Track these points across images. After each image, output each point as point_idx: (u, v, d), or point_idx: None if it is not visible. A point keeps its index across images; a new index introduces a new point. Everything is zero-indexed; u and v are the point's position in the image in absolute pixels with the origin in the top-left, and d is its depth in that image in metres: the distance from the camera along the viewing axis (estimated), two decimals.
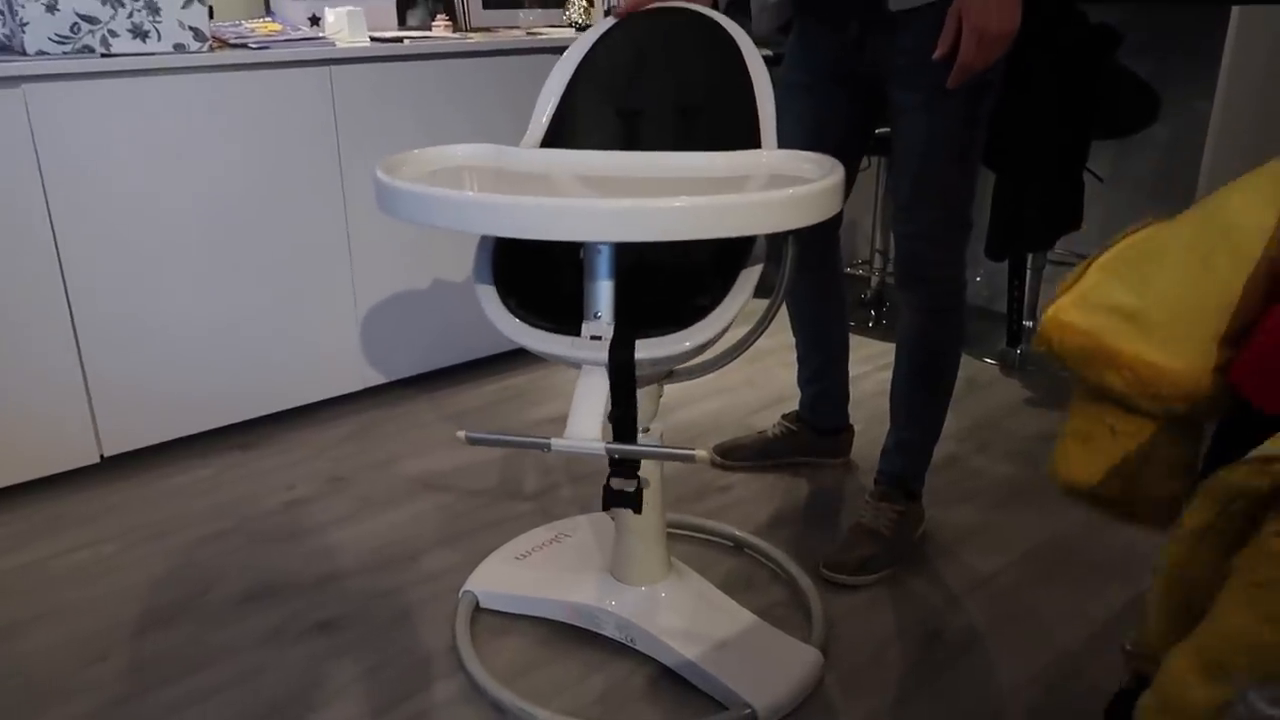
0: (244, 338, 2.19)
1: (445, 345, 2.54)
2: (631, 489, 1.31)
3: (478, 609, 1.64)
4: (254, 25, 2.22)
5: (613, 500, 1.31)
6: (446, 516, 1.94)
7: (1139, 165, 2.71)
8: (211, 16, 2.01)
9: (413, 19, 2.65)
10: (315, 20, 2.47)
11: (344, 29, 2.30)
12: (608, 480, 1.32)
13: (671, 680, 1.46)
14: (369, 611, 1.65)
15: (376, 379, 2.44)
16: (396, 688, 1.47)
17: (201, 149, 2.03)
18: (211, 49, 2.00)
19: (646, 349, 1.21)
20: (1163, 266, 0.90)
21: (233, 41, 2.08)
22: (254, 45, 2.07)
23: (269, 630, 1.60)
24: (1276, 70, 2.32)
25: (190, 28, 1.96)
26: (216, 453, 2.20)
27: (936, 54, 1.48)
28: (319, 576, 1.75)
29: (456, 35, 2.49)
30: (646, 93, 1.54)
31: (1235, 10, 2.15)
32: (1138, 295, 0.89)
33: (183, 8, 1.94)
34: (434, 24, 2.60)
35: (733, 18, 1.57)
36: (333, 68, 2.16)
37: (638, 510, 1.33)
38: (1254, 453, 0.63)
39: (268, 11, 2.43)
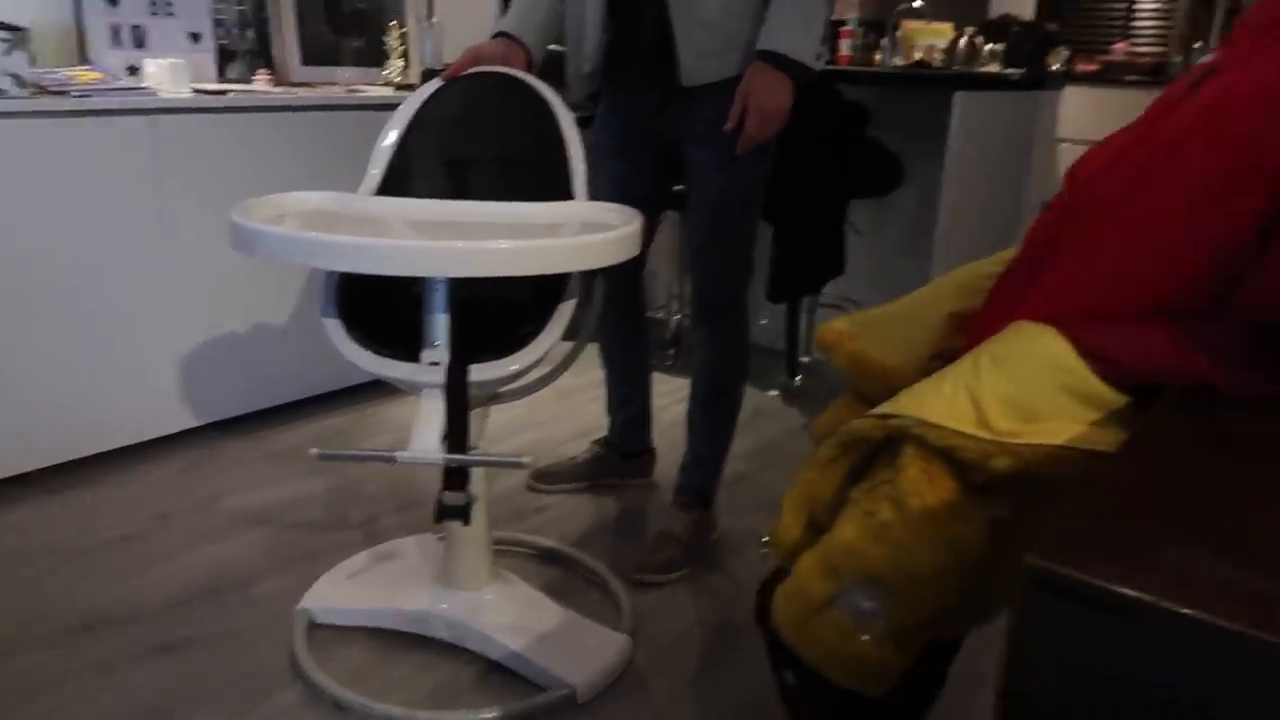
0: (59, 382, 2.20)
1: (265, 387, 2.61)
2: (462, 502, 1.49)
3: (313, 626, 1.75)
4: (74, 73, 2.26)
5: (444, 514, 1.48)
6: (276, 546, 2.02)
7: (894, 222, 3.15)
8: (32, 64, 2.05)
9: (232, 72, 2.74)
10: (134, 70, 2.52)
11: (165, 80, 2.38)
12: (440, 496, 1.49)
13: (499, 673, 1.63)
14: (205, 635, 1.72)
15: (197, 421, 2.48)
16: (238, 702, 1.56)
17: (22, 193, 2.05)
18: (33, 95, 2.04)
19: (479, 372, 1.40)
20: (907, 296, 1.20)
21: (53, 89, 2.13)
22: (76, 93, 2.12)
23: (106, 656, 1.65)
24: (988, 144, 2.80)
25: (10, 74, 1.99)
26: (31, 496, 2.18)
27: (727, 126, 1.77)
28: (152, 606, 1.80)
29: (278, 89, 2.60)
30: (472, 147, 1.74)
31: (957, 95, 2.61)
32: (877, 310, 1.19)
33: (4, 54, 1.97)
34: (254, 78, 2.70)
35: (549, 83, 1.81)
36: (156, 117, 2.23)
37: (467, 521, 1.50)
38: (875, 409, 0.90)
39: (83, 60, 2.46)
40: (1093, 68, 4.69)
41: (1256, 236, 0.81)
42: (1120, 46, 4.88)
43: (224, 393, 2.52)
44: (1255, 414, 0.75)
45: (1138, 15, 5.05)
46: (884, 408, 0.88)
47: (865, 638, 0.87)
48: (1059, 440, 0.79)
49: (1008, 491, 0.83)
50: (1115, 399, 0.82)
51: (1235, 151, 0.82)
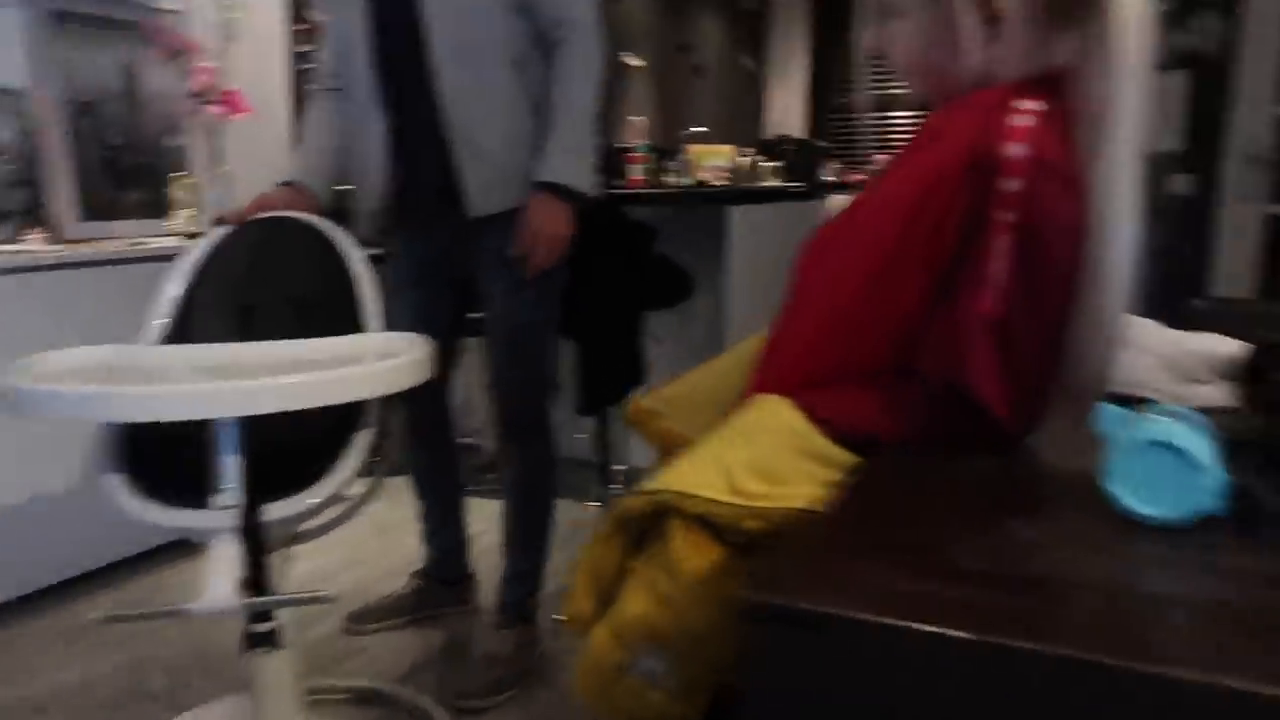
0: None
1: (50, 561, 2.43)
2: (269, 629, 1.45)
3: None
4: None
5: (253, 642, 1.43)
6: None
7: (691, 330, 3.32)
8: None
9: (0, 233, 2.63)
10: None
11: None
12: (245, 629, 1.44)
13: None
14: None
15: None
16: None
17: None
18: None
19: (274, 510, 1.38)
20: (707, 367, 1.29)
21: None
22: None
23: None
24: (767, 251, 3.03)
25: None
26: None
27: (513, 253, 1.85)
28: None
29: (53, 247, 2.52)
30: (262, 290, 1.75)
31: (733, 209, 2.83)
32: (679, 385, 1.27)
33: None
34: (25, 237, 2.60)
35: (338, 222, 1.84)
36: None
37: (279, 646, 1.46)
38: (642, 485, 0.97)
39: None
40: (859, 177, 5.17)
41: (925, 310, 0.94)
42: (879, 158, 5.42)
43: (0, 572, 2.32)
44: (951, 459, 0.87)
45: (890, 131, 5.66)
46: (648, 483, 0.95)
47: (659, 696, 0.92)
48: (799, 502, 0.88)
49: (767, 547, 0.90)
50: (847, 458, 0.92)
51: (892, 240, 0.96)
